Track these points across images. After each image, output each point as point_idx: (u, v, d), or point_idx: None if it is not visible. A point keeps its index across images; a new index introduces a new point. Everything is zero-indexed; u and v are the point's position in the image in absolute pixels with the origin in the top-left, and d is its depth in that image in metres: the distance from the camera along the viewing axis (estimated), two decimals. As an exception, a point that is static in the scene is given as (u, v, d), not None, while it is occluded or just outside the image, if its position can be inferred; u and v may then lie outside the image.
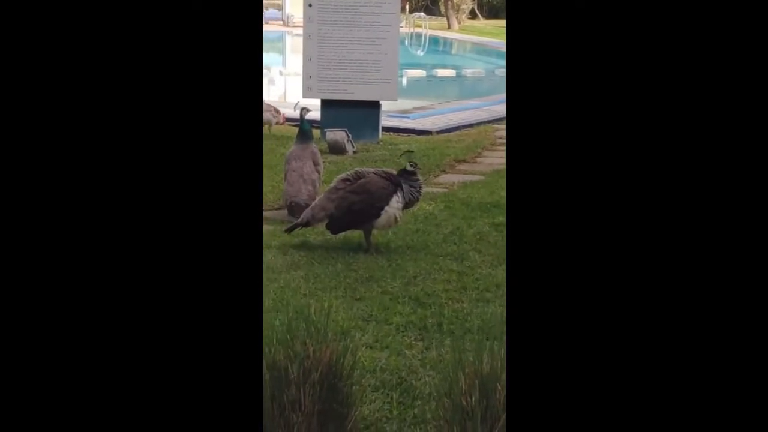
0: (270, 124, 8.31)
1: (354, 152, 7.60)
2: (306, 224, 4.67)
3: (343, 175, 4.80)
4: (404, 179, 4.63)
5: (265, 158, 7.07)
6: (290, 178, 5.30)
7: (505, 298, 3.77)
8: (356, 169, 4.93)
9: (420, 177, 4.80)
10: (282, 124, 8.41)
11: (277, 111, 8.43)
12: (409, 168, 4.69)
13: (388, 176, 4.66)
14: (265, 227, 5.17)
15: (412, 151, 5.28)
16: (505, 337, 3.04)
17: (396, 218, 4.63)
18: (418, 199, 4.73)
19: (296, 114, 6.18)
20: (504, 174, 6.84)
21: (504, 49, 18.67)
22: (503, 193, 6.04)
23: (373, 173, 4.72)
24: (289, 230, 4.71)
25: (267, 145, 7.71)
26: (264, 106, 8.33)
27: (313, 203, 4.81)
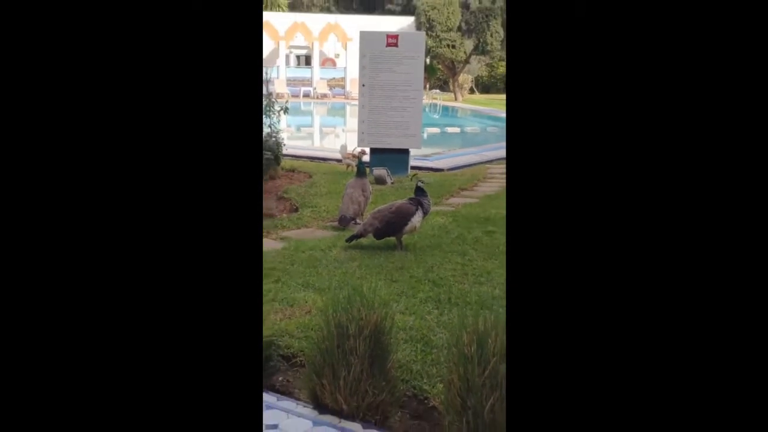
0: (353, 167, 8.28)
1: (392, 183, 7.64)
2: (361, 236, 4.76)
3: (382, 206, 4.90)
4: (421, 197, 4.70)
5: (334, 187, 7.17)
6: (344, 199, 5.55)
7: (494, 283, 3.78)
8: (392, 202, 4.99)
9: (428, 192, 4.84)
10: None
11: (355, 156, 8.28)
12: (419, 185, 4.77)
13: (412, 201, 4.72)
14: (333, 233, 5.25)
15: (416, 174, 5.93)
16: (494, 307, 3.04)
17: (416, 227, 4.69)
18: (430, 208, 4.79)
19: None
20: (493, 197, 6.82)
21: (492, 113, 18.49)
22: (493, 211, 5.99)
23: (402, 201, 4.81)
24: (350, 240, 4.79)
25: (337, 179, 7.78)
26: (347, 154, 8.42)
27: (364, 221, 4.90)
